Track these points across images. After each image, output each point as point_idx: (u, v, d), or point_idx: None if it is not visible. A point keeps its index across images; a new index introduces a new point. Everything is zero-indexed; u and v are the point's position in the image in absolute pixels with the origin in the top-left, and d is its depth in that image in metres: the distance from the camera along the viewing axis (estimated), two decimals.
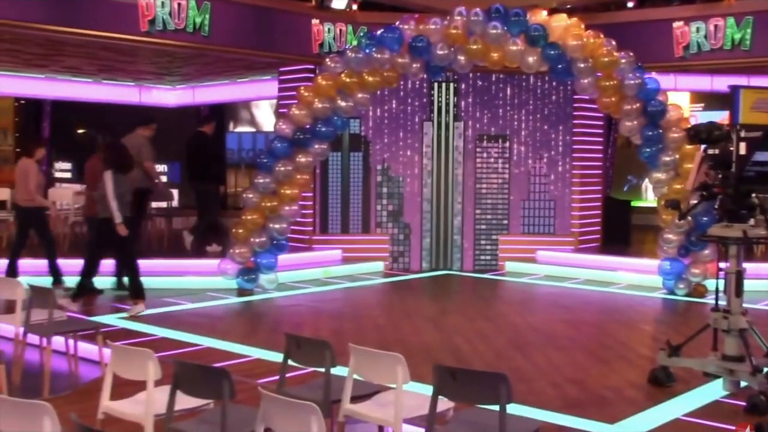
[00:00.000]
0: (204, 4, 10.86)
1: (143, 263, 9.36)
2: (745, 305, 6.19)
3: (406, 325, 8.78)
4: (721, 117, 14.37)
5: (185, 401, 4.28)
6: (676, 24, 12.42)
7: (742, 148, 6.05)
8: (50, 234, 10.27)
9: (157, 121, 11.16)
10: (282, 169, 10.43)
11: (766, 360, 6.13)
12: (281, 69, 12.94)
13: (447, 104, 13.00)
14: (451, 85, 12.99)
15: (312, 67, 12.27)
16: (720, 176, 6.20)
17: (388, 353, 4.46)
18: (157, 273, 10.56)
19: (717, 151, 6.20)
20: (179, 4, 10.64)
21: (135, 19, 10.36)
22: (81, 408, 5.16)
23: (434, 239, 13.05)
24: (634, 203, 16.57)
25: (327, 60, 10.68)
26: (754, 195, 6.19)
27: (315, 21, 12.21)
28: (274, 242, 10.63)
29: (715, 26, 12.12)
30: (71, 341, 6.64)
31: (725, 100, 14.03)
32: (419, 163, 12.99)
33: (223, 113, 17.61)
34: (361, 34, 10.87)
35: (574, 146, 13.28)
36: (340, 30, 12.43)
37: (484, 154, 13.11)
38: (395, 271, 12.68)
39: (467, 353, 7.53)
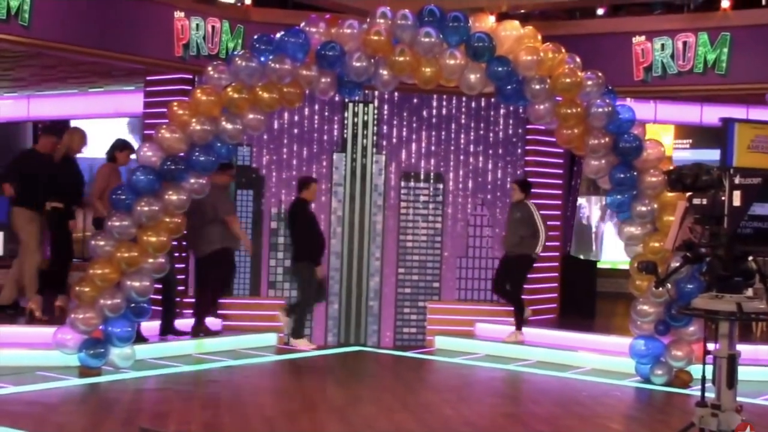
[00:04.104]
0: None
1: None
2: (740, 399, 6.22)
3: (303, 418, 8.78)
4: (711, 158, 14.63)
5: None
6: (636, 39, 12.63)
7: (737, 198, 6.12)
8: None
9: None
10: (145, 209, 10.28)
11: None
12: (149, 78, 12.89)
13: (365, 132, 13.10)
14: (371, 107, 13.10)
15: (190, 77, 12.29)
16: (708, 233, 6.25)
17: None
18: None
19: (705, 201, 6.27)
20: None
21: None
22: None
23: (344, 306, 13.07)
24: (601, 264, 16.77)
25: (209, 69, 10.66)
26: (751, 258, 6.23)
27: (179, 14, 11.97)
28: (132, 305, 10.46)
29: (684, 43, 12.35)
30: None
31: (719, 137, 14.26)
32: (327, 206, 13.03)
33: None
34: (255, 36, 10.81)
35: None
36: (213, 27, 12.31)
37: (411, 198, 13.23)
38: (292, 347, 12.58)
39: None
